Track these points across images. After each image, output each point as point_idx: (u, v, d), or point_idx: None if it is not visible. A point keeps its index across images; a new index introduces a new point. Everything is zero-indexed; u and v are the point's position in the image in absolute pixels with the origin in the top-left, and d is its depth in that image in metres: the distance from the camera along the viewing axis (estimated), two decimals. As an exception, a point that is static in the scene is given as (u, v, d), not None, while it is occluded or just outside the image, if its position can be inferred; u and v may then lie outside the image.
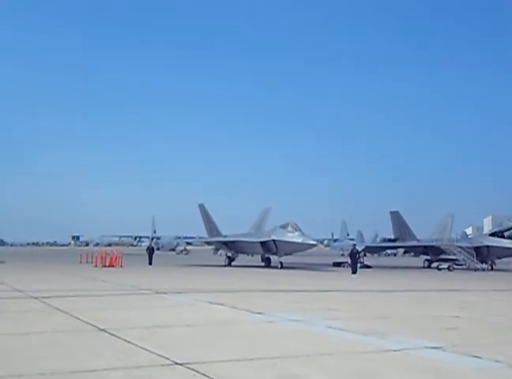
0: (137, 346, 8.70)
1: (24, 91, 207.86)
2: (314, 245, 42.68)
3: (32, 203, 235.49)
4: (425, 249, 49.55)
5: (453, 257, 43.44)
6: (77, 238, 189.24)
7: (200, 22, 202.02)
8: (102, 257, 39.72)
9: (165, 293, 18.64)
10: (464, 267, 42.56)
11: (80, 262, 45.24)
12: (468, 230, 69.08)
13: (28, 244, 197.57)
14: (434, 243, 46.43)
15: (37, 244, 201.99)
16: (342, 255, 70.51)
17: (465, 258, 42.83)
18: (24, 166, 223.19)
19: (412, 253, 61.73)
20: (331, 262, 48.39)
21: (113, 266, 38.86)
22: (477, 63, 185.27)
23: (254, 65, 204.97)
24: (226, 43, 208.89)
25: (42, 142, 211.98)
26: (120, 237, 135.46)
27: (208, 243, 61.00)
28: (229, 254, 47.98)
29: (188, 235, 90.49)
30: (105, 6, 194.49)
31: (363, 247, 52.03)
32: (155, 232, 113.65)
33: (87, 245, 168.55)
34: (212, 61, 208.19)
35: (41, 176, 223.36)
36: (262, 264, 45.08)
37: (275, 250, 41.65)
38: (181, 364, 7.42)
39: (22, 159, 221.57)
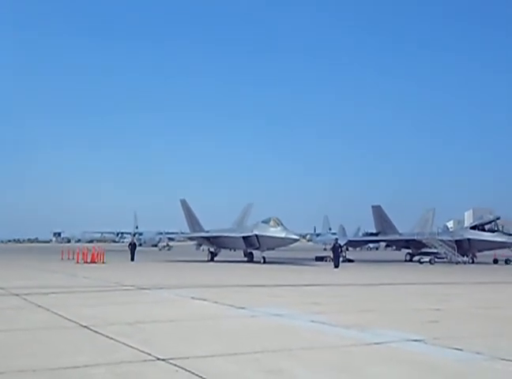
0: (119, 342, 8.66)
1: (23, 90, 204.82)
2: (297, 240, 42.74)
3: (12, 199, 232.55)
4: (407, 243, 49.91)
5: (435, 251, 43.82)
6: (59, 234, 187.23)
7: (199, 21, 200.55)
8: (84, 254, 39.41)
9: (148, 289, 18.56)
10: (445, 260, 42.96)
11: (62, 259, 44.83)
12: (450, 224, 69.49)
13: (9, 241, 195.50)
14: (415, 237, 46.73)
15: (18, 241, 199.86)
16: (325, 249, 70.74)
17: (446, 251, 43.24)
18: (3, 163, 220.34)
19: (394, 247, 62.31)
20: (313, 256, 48.61)
21: (95, 262, 38.60)
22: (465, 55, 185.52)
23: (247, 63, 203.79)
24: (223, 41, 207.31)
25: (22, 139, 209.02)
26: (102, 233, 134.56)
27: (191, 239, 60.91)
28: (211, 249, 47.87)
29: (170, 231, 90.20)
30: (105, 6, 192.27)
31: (345, 241, 52.25)
32: (137, 228, 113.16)
33: (68, 241, 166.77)
34: (209, 59, 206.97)
35: (21, 172, 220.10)
36: (245, 259, 45.17)
37: (257, 245, 41.72)
38: (163, 359, 7.40)
39: (1, 157, 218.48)
